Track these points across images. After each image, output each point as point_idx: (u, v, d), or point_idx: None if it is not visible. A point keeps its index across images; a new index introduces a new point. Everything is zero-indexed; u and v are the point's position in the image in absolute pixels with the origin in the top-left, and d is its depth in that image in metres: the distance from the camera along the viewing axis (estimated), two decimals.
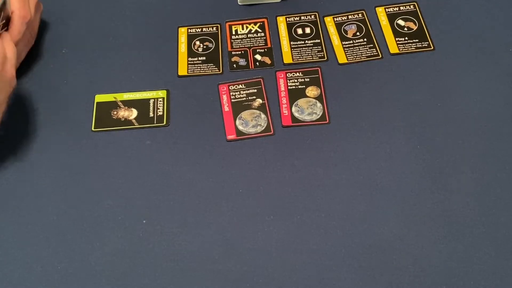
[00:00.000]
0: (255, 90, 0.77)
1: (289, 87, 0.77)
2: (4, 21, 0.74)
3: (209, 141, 0.73)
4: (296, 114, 0.74)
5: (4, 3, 0.73)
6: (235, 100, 0.76)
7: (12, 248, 0.65)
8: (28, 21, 0.76)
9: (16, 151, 0.73)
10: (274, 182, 0.69)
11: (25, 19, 0.75)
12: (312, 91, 0.76)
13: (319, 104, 0.75)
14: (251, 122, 0.74)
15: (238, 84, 0.78)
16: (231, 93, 0.77)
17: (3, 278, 0.63)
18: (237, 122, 0.74)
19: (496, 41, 0.80)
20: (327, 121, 0.74)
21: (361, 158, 0.70)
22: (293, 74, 0.78)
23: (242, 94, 0.77)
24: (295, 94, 0.76)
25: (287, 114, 0.74)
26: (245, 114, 0.75)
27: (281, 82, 0.77)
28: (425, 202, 0.66)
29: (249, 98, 0.76)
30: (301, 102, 0.75)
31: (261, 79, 0.78)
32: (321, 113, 0.74)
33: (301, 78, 0.78)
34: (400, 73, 0.78)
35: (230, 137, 0.73)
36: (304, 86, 0.77)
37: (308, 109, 0.75)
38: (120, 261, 0.64)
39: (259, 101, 0.76)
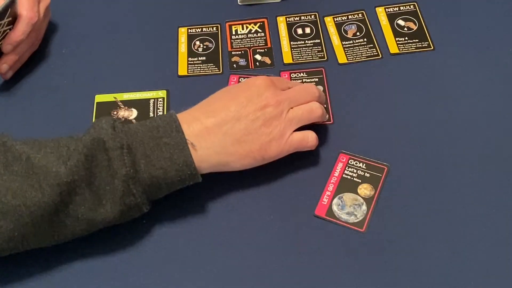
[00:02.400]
0: None
1: None
2: (10, 18, 0.74)
3: None
4: None
5: (13, 1, 0.74)
6: None
7: None
8: (34, 23, 0.76)
9: None
10: (274, 181, 0.69)
11: (32, 20, 0.76)
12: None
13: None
14: None
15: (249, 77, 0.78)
16: None
17: (4, 278, 0.63)
18: None
19: (496, 41, 0.80)
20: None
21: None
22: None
23: None
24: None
25: None
26: None
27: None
28: (425, 202, 0.66)
29: None
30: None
31: None
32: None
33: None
34: (400, 73, 0.78)
35: None
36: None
37: None
38: (120, 261, 0.64)
39: None
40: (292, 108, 0.66)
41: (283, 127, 0.64)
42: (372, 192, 0.66)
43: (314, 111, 0.67)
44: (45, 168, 0.56)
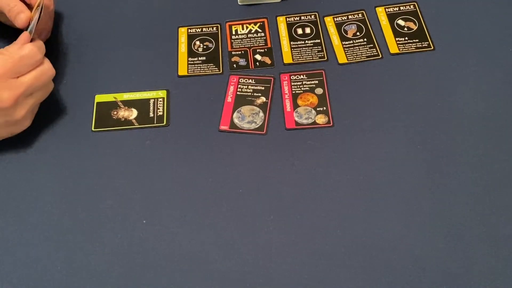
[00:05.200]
0: (263, 88, 0.77)
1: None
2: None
3: (209, 141, 0.73)
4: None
5: None
6: (241, 93, 0.76)
7: (12, 248, 0.65)
8: (51, 11, 0.78)
9: (17, 151, 0.73)
10: (274, 182, 0.69)
11: (49, 8, 0.77)
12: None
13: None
14: (248, 118, 0.74)
15: (249, 79, 0.78)
16: (239, 86, 0.77)
17: (3, 278, 0.63)
18: (235, 114, 0.74)
19: (496, 41, 0.80)
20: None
21: (361, 158, 0.70)
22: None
23: (250, 89, 0.77)
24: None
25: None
26: (244, 108, 0.75)
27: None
28: (425, 202, 0.66)
29: (255, 94, 0.76)
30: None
31: (272, 79, 0.78)
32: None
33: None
34: (400, 73, 0.78)
35: (222, 127, 0.73)
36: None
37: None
38: (120, 261, 0.64)
39: (262, 99, 0.76)
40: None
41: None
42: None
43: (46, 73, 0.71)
44: None
